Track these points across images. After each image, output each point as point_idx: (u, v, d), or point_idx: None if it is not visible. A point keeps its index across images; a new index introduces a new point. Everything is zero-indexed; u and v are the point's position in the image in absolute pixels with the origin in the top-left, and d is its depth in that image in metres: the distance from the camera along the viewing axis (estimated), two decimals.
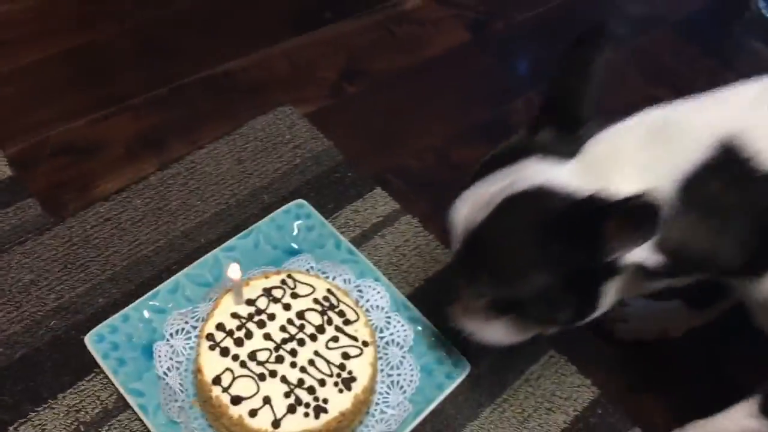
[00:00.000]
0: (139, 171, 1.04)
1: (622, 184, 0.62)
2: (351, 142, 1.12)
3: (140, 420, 0.80)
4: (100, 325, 0.84)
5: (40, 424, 0.80)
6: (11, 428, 0.80)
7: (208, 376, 0.77)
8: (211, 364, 0.77)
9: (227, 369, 0.77)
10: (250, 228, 0.95)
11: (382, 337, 0.87)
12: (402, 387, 0.84)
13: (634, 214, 0.56)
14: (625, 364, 0.93)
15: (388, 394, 0.84)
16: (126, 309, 0.86)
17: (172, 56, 1.19)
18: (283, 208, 0.97)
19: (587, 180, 0.63)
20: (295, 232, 0.96)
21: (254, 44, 1.23)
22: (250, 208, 1.02)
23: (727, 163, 0.61)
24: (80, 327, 0.86)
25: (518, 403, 0.89)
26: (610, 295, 0.68)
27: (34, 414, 0.81)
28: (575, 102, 0.66)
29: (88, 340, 0.83)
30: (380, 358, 0.86)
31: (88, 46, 1.18)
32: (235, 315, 0.81)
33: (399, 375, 0.85)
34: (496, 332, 0.74)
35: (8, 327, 0.87)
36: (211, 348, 0.78)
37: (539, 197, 0.64)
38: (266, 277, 0.85)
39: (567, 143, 0.66)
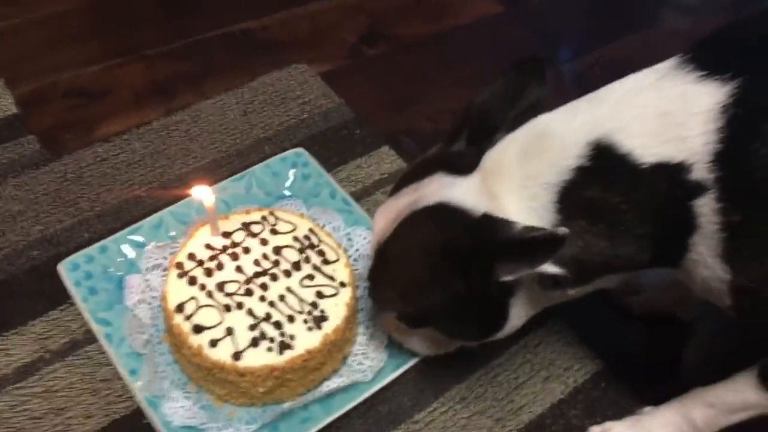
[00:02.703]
0: (145, 117, 1.02)
1: (507, 202, 0.62)
2: (364, 101, 1.08)
3: (106, 352, 0.77)
4: (76, 254, 0.82)
5: (5, 349, 0.78)
6: None
7: (171, 303, 0.72)
8: (177, 291, 0.73)
9: (192, 297, 0.73)
10: (244, 172, 0.92)
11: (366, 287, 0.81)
12: (382, 339, 0.78)
13: (527, 245, 0.57)
14: (635, 337, 0.84)
15: (368, 345, 0.78)
16: (105, 240, 0.83)
17: (193, 12, 1.18)
18: (281, 155, 0.94)
19: (480, 197, 0.63)
20: (290, 179, 0.92)
21: (278, 4, 1.21)
22: (250, 157, 0.99)
23: (602, 165, 0.58)
24: (61, 258, 0.83)
25: (513, 368, 0.81)
26: (519, 308, 0.67)
27: (0, 338, 0.79)
28: (491, 120, 0.66)
29: (62, 267, 0.81)
30: (362, 309, 0.80)
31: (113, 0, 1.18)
32: (208, 246, 0.77)
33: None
34: (418, 343, 0.74)
35: None
36: (180, 276, 0.74)
37: (438, 215, 0.64)
38: (247, 213, 0.81)
39: (470, 157, 0.66)
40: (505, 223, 0.58)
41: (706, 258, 0.57)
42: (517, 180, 0.61)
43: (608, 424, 0.74)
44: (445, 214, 0.63)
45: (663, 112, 0.56)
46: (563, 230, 0.55)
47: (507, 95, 0.68)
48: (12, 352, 0.78)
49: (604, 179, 0.58)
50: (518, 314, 0.68)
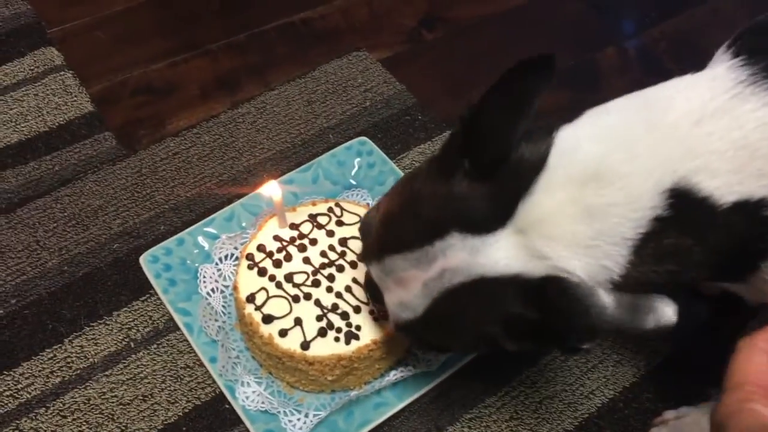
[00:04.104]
0: (211, 110, 1.05)
1: (569, 264, 0.53)
2: (425, 86, 1.08)
3: (187, 340, 0.81)
4: (156, 247, 0.86)
5: (93, 338, 0.83)
6: (66, 340, 0.82)
7: (243, 293, 0.75)
8: (247, 282, 0.76)
9: (262, 288, 0.75)
10: (310, 162, 0.94)
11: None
12: None
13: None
14: (706, 320, 0.83)
15: None
16: (181, 233, 0.87)
17: (253, 5, 1.20)
18: (345, 144, 0.95)
19: (526, 262, 0.54)
20: (355, 168, 0.93)
21: None
22: (315, 147, 1.00)
23: (679, 212, 0.52)
24: (141, 250, 0.87)
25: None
26: None
27: (89, 328, 0.83)
28: (497, 142, 0.55)
29: (143, 260, 0.85)
30: None
31: None
32: (277, 237, 0.79)
33: None
34: None
35: (75, 247, 0.90)
36: (249, 267, 0.77)
37: (484, 292, 0.57)
38: (313, 204, 0.83)
39: (486, 201, 0.55)
40: (597, 308, 0.52)
41: None
42: (584, 239, 0.53)
43: (683, 410, 0.73)
44: (491, 288, 0.56)
45: (742, 144, 0.51)
46: (671, 318, 0.52)
47: (513, 106, 0.55)
48: (99, 342, 0.82)
49: (680, 225, 0.53)
50: None
